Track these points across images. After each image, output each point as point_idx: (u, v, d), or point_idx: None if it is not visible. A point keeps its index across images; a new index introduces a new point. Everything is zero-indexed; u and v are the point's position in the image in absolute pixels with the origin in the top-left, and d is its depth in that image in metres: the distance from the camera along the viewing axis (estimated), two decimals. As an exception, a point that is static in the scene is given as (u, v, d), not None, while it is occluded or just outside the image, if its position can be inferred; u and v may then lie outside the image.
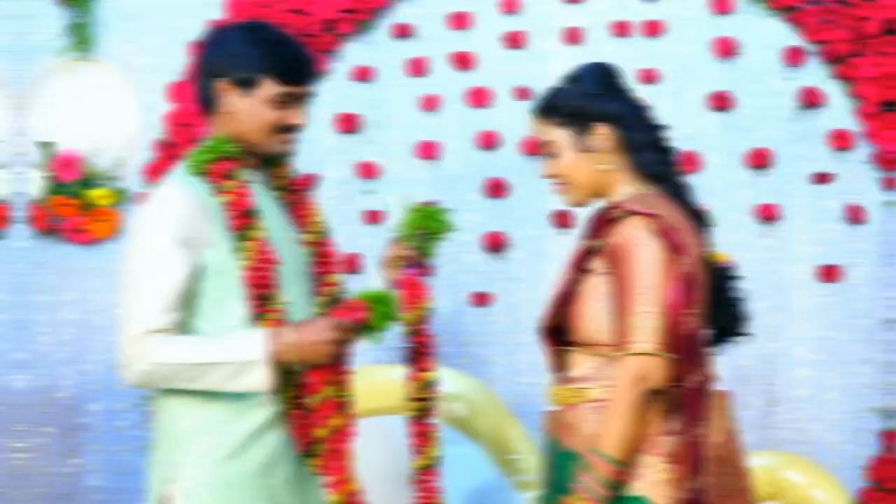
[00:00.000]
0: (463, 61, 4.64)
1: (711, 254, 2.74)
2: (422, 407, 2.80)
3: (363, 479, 2.78)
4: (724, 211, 4.52)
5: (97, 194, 4.64)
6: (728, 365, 4.46)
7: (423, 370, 2.79)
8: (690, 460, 2.50)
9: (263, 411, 2.65)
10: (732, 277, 2.78)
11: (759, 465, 3.99)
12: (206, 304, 2.65)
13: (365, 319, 2.56)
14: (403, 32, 4.67)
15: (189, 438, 2.64)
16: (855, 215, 4.45)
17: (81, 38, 4.70)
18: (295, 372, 2.66)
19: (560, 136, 2.72)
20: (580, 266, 2.68)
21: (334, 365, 2.63)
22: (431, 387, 2.80)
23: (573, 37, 4.61)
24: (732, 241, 4.52)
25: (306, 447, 2.70)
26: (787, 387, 4.49)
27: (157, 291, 2.56)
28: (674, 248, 2.52)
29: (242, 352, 2.54)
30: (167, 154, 4.64)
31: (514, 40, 4.63)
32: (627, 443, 2.50)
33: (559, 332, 2.74)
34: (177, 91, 4.67)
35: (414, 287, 2.72)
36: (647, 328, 2.50)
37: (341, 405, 2.65)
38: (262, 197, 2.74)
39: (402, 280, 2.72)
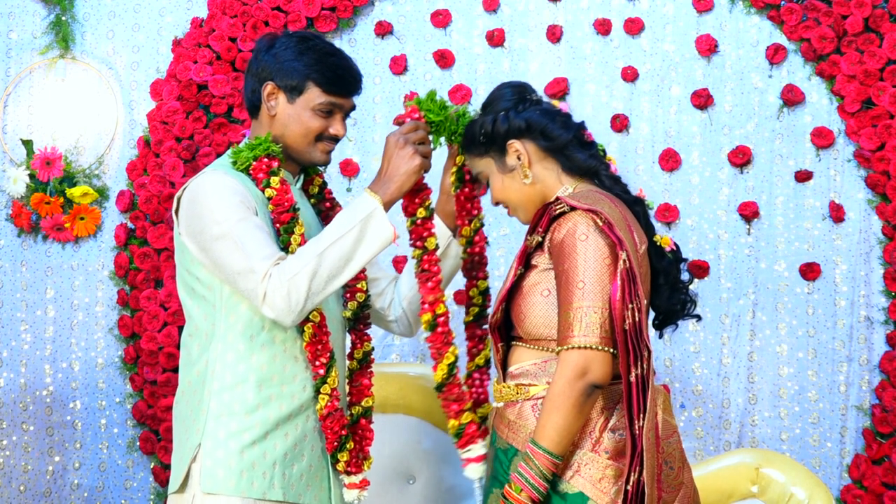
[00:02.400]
0: (444, 59, 4.64)
1: (656, 239, 2.76)
2: (477, 312, 2.92)
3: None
4: (706, 208, 4.55)
5: (78, 192, 4.64)
6: (709, 362, 4.50)
7: (479, 278, 2.93)
8: (632, 454, 2.51)
9: (290, 401, 2.73)
10: (678, 261, 2.79)
11: (741, 462, 4.00)
12: (226, 285, 2.71)
13: (421, 116, 2.73)
14: (384, 30, 4.67)
15: (216, 420, 2.69)
16: (836, 213, 4.46)
17: (62, 35, 4.69)
18: (336, 370, 2.75)
19: (485, 164, 2.79)
20: (525, 261, 2.69)
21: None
22: (486, 293, 2.96)
23: (554, 35, 4.61)
24: (713, 238, 4.54)
25: (334, 446, 2.78)
26: (768, 384, 4.50)
27: (259, 240, 2.63)
28: (615, 243, 2.54)
29: (357, 212, 2.62)
30: (148, 152, 4.64)
31: (495, 38, 4.63)
32: (566, 436, 2.52)
33: (507, 328, 2.77)
34: (158, 89, 4.66)
35: (466, 203, 2.85)
36: (588, 323, 2.52)
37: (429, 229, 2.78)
38: (299, 200, 2.83)
39: (455, 197, 2.84)
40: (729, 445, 4.48)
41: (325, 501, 2.81)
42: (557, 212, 2.63)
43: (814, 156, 4.51)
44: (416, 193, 2.72)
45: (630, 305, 2.50)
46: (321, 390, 2.73)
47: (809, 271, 4.48)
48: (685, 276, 2.81)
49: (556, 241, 2.59)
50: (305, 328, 2.71)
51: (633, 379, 2.50)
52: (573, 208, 2.60)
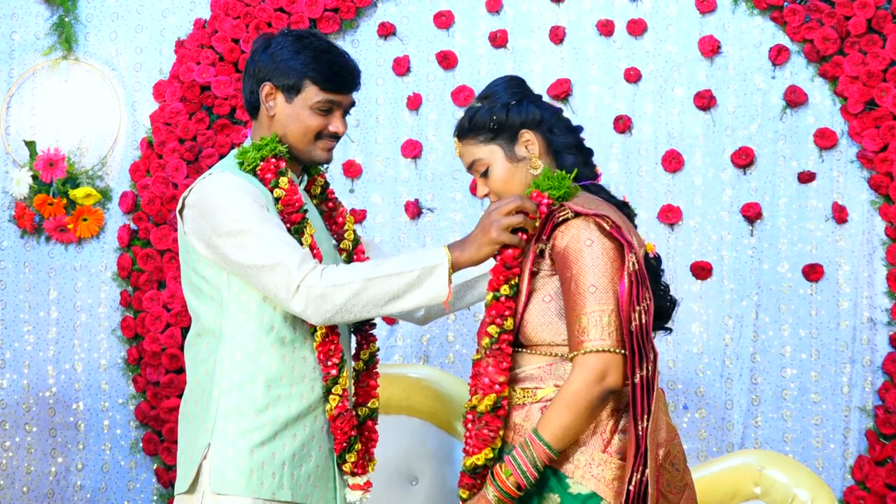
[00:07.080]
0: (446, 60, 4.65)
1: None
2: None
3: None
4: (708, 210, 4.55)
5: (81, 193, 4.64)
6: (712, 363, 4.50)
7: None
8: (636, 454, 2.50)
9: (299, 402, 2.72)
10: (660, 267, 2.78)
11: (743, 463, 3.99)
12: (234, 284, 2.71)
13: (542, 204, 2.61)
14: (387, 31, 4.68)
15: (225, 419, 2.68)
16: (839, 214, 4.46)
17: (65, 37, 4.70)
18: (346, 376, 2.75)
19: (489, 151, 2.73)
20: (529, 268, 2.67)
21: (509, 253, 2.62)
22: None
23: (557, 36, 4.61)
24: (716, 239, 4.54)
25: (343, 446, 2.78)
26: (771, 385, 4.50)
27: (284, 237, 2.62)
28: (623, 245, 2.53)
29: (424, 259, 2.59)
30: (151, 153, 4.64)
31: (498, 39, 4.64)
32: (570, 436, 2.51)
33: None
34: (161, 90, 4.66)
35: (506, 260, 2.64)
36: (602, 326, 2.51)
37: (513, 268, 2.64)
38: (305, 201, 2.81)
39: (502, 254, 2.66)
40: (732, 447, 4.48)
41: (332, 502, 2.81)
42: (561, 218, 2.61)
43: (817, 157, 4.51)
44: (505, 269, 2.61)
45: (637, 307, 2.50)
46: (332, 391, 2.73)
47: (812, 272, 4.48)
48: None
49: (560, 247, 2.58)
50: (318, 328, 2.71)
51: (637, 380, 2.50)
52: (577, 213, 2.59)
